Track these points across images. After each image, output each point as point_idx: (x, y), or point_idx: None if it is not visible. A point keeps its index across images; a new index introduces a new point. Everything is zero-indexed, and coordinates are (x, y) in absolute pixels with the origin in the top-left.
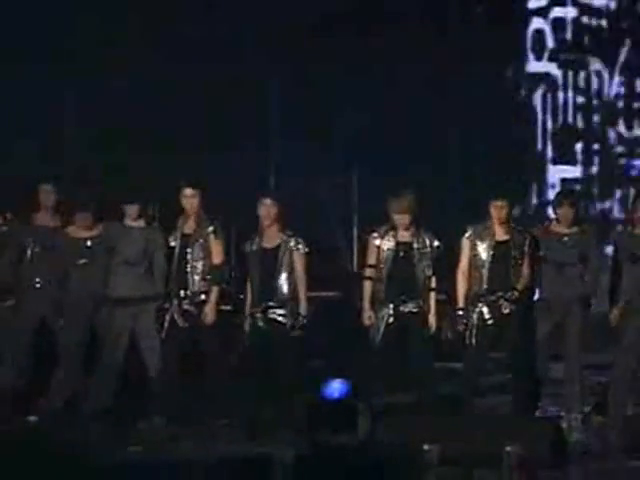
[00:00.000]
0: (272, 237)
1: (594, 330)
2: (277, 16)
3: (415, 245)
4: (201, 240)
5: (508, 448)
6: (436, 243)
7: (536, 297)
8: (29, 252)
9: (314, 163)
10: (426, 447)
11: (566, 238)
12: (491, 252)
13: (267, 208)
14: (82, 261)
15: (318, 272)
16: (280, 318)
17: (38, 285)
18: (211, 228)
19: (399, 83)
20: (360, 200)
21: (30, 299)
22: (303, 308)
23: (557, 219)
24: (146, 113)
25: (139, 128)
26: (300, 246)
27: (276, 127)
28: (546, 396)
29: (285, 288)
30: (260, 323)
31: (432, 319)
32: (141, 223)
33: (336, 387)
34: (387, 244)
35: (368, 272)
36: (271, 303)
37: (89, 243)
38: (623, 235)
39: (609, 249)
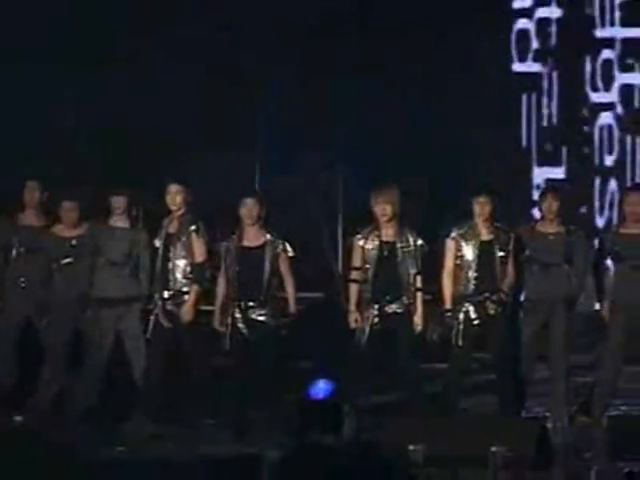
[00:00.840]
0: (255, 236)
1: (580, 330)
2: (265, 16)
3: (398, 244)
4: (183, 239)
5: (494, 448)
6: (420, 242)
7: (522, 298)
8: (14, 252)
9: (299, 162)
10: (411, 447)
11: (551, 237)
12: (476, 252)
13: (249, 208)
14: (66, 261)
15: (303, 273)
16: (261, 318)
17: (23, 285)
18: (193, 227)
19: (386, 83)
20: (345, 200)
21: (15, 299)
22: (292, 307)
23: (542, 217)
24: (137, 113)
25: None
26: (288, 248)
27: (261, 126)
28: (532, 396)
29: (268, 287)
30: (239, 323)
31: (418, 319)
32: (126, 224)
33: (321, 388)
34: (371, 244)
35: (354, 274)
36: (251, 303)
37: (74, 242)
38: (609, 234)
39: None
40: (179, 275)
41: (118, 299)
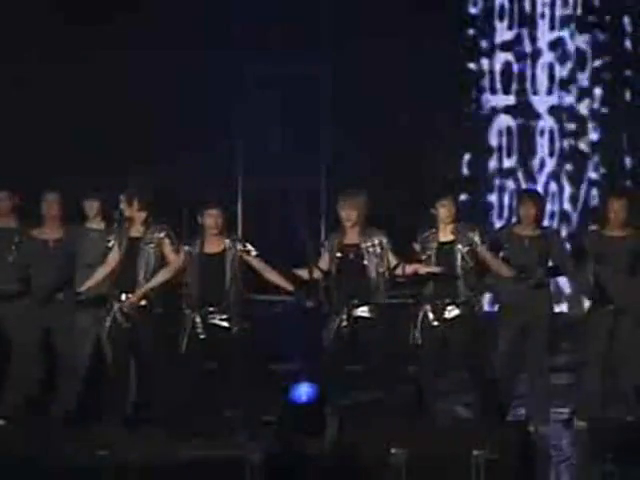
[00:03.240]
0: (215, 243)
1: (561, 332)
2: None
3: (363, 245)
4: (151, 244)
5: (475, 452)
6: (385, 239)
7: (497, 301)
8: None
9: (281, 164)
10: (393, 451)
11: (527, 241)
12: (437, 255)
13: (214, 218)
14: (43, 263)
15: (285, 275)
16: (223, 323)
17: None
18: (163, 233)
19: (368, 90)
20: (329, 204)
21: None
22: (287, 285)
23: (519, 221)
24: (114, 110)
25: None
26: (249, 248)
27: (244, 126)
28: (516, 398)
29: (231, 293)
30: (199, 329)
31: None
32: (101, 225)
33: (304, 391)
34: (336, 248)
35: (321, 279)
36: (211, 309)
37: (51, 245)
38: (592, 236)
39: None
40: (141, 278)
41: (94, 301)
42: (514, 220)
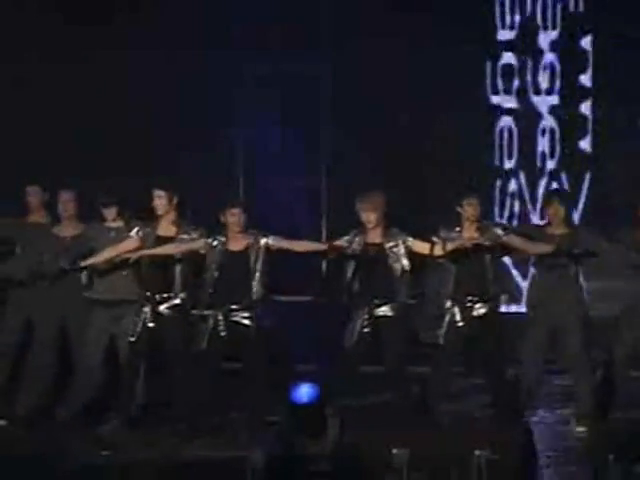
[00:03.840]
0: (239, 241)
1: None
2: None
3: (386, 245)
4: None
5: (477, 452)
6: (409, 239)
7: (528, 301)
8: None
9: (281, 164)
10: (395, 451)
11: (558, 239)
12: (461, 254)
13: (237, 217)
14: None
15: (287, 275)
16: (245, 321)
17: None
18: (197, 233)
19: (368, 90)
20: (329, 203)
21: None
22: (316, 246)
23: (549, 222)
24: (117, 111)
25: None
26: (269, 238)
27: (244, 126)
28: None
29: (256, 291)
30: (220, 327)
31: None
32: (120, 223)
33: (305, 391)
34: (357, 248)
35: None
36: (234, 306)
37: (69, 242)
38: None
39: None
40: (177, 278)
41: (111, 301)
42: (515, 222)
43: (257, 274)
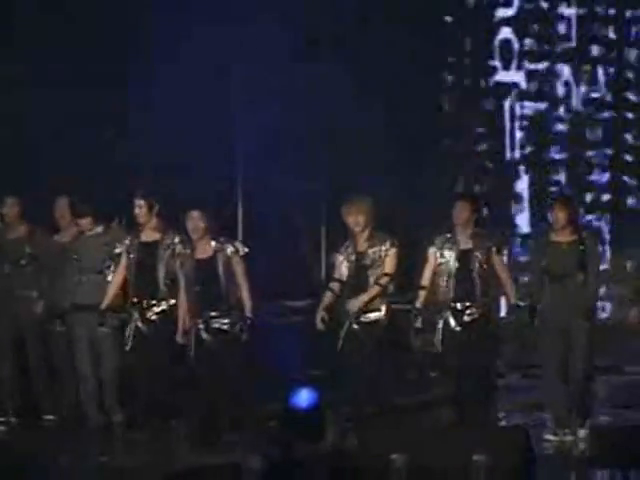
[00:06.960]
0: (205, 248)
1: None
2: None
3: (369, 251)
4: (169, 251)
5: (476, 457)
6: (388, 243)
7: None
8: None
9: (281, 164)
10: (394, 456)
11: (564, 246)
12: (456, 261)
13: (194, 221)
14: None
15: (286, 281)
16: (225, 327)
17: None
18: (177, 239)
19: (369, 90)
20: (329, 205)
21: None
22: (249, 310)
23: (552, 227)
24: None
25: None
26: (239, 248)
27: (243, 129)
28: (514, 405)
29: (228, 296)
30: (203, 335)
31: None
32: (98, 229)
33: (304, 396)
34: (349, 257)
35: (331, 284)
36: (213, 313)
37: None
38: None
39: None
40: (162, 283)
41: (89, 306)
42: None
43: (225, 280)
